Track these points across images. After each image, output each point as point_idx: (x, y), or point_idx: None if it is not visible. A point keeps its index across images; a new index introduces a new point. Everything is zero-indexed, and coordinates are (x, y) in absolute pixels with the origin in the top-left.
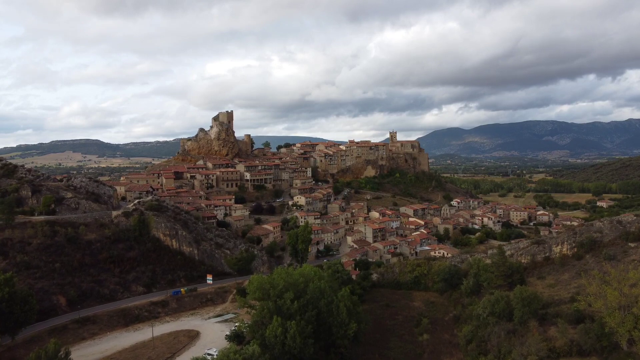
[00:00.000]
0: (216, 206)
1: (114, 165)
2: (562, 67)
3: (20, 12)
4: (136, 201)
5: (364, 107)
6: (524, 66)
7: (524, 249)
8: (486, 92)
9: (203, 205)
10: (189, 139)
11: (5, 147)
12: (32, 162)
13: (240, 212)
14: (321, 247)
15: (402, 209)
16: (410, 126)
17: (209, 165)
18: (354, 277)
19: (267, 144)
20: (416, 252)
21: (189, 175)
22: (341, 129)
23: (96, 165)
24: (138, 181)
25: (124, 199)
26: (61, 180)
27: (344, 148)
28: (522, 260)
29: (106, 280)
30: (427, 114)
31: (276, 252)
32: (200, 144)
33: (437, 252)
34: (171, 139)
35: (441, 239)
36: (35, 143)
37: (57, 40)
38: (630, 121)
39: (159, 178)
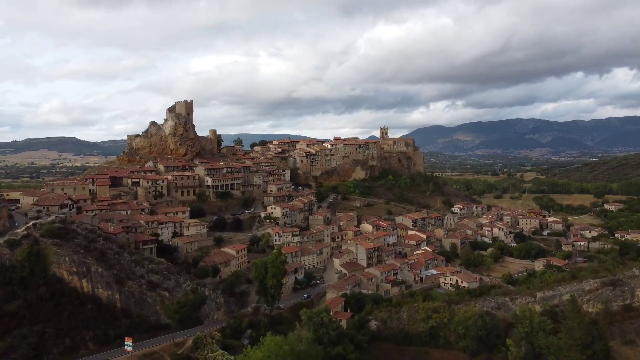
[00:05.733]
0: (161, 223)
1: (89, 164)
2: (551, 64)
3: None
4: (31, 223)
5: (351, 104)
6: (514, 63)
7: (593, 292)
8: (474, 89)
9: (142, 222)
10: (137, 136)
11: None
12: (4, 161)
13: (194, 230)
14: (300, 276)
15: (399, 219)
16: (397, 124)
17: (160, 167)
18: (344, 322)
19: (238, 142)
20: (421, 278)
21: (130, 181)
22: (327, 127)
23: (70, 164)
24: (63, 189)
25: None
26: None
27: (329, 146)
28: (590, 310)
29: None
30: (415, 111)
31: (238, 286)
32: (152, 141)
33: (447, 278)
34: None
35: (449, 257)
36: (9, 141)
37: (37, 33)
38: (609, 119)
39: (93, 185)
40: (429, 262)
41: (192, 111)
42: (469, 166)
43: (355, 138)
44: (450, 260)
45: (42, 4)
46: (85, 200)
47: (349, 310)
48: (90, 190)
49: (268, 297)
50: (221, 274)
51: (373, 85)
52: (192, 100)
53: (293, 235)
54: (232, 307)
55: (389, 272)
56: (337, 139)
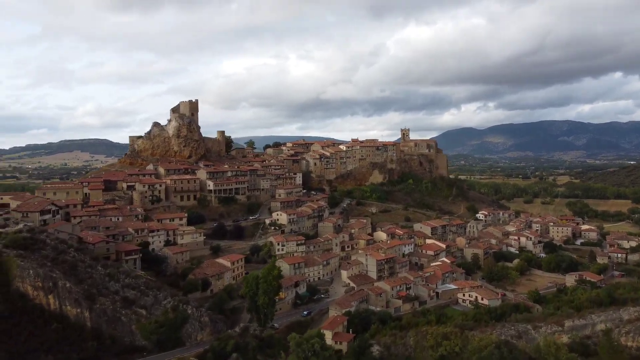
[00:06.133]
0: (152, 231)
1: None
2: (588, 64)
3: (36, 10)
4: None
5: (380, 106)
6: (548, 63)
7: (633, 323)
8: (506, 90)
9: (131, 230)
10: (139, 137)
11: (14, 147)
12: (39, 162)
13: (190, 238)
14: (303, 290)
15: (417, 226)
16: (427, 126)
17: (161, 170)
18: (345, 346)
19: (250, 143)
20: (437, 294)
21: (125, 185)
22: (355, 129)
23: (102, 165)
24: (55, 193)
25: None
26: None
27: (345, 148)
28: (630, 344)
29: None
30: (445, 113)
31: (229, 303)
32: (155, 143)
33: (466, 294)
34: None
35: (469, 269)
36: (45, 142)
37: (73, 38)
38: None
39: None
40: (447, 275)
41: (197, 111)
42: (499, 169)
43: (373, 139)
44: (472, 272)
45: (78, 9)
46: (75, 206)
47: (351, 331)
48: (85, 194)
49: (260, 315)
50: (212, 288)
51: (402, 87)
52: (196, 100)
53: (298, 244)
54: (220, 327)
55: (400, 286)
56: (354, 140)
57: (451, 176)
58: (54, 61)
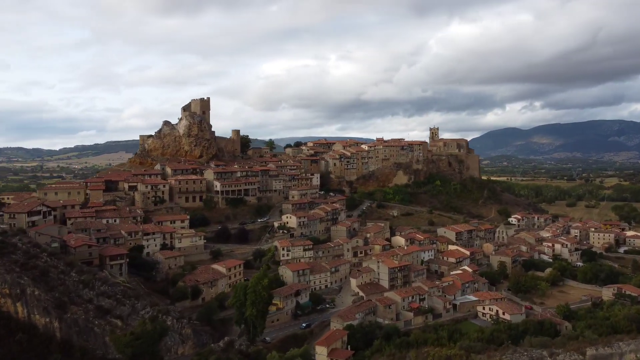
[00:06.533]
0: (147, 234)
1: None
2: None
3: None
4: None
5: (421, 106)
6: (600, 60)
7: None
8: (553, 89)
9: (124, 232)
10: (150, 136)
11: (64, 148)
12: (85, 163)
13: (188, 242)
14: (304, 299)
15: (441, 231)
16: (469, 126)
17: (168, 171)
18: None
19: (270, 143)
20: (454, 306)
21: (126, 185)
22: (395, 129)
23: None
24: (56, 193)
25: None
26: None
27: (367, 148)
28: None
29: None
30: (489, 113)
31: (218, 313)
32: (165, 142)
33: (486, 307)
34: None
35: (494, 279)
36: (92, 144)
37: (120, 42)
38: None
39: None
40: (468, 285)
41: (208, 109)
42: (543, 170)
43: (398, 139)
44: (497, 282)
45: (125, 14)
46: (73, 206)
47: (350, 347)
48: (86, 195)
49: (249, 328)
50: (204, 296)
51: (444, 87)
52: (208, 98)
53: (305, 250)
54: (205, 340)
55: (413, 297)
56: (379, 140)
57: (484, 177)
58: (102, 65)
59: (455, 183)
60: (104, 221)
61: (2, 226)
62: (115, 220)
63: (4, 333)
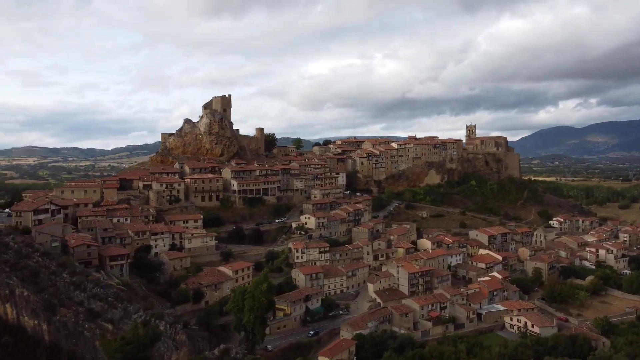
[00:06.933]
0: (155, 234)
1: None
2: None
3: (137, 20)
4: None
5: (468, 104)
6: None
7: None
8: (611, 85)
9: (131, 232)
10: (171, 134)
11: (116, 148)
12: (135, 162)
13: (199, 242)
14: (315, 305)
15: (472, 234)
16: (519, 125)
17: (187, 169)
18: None
19: (297, 141)
20: (479, 316)
21: (141, 184)
22: (441, 128)
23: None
24: (73, 191)
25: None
26: None
27: (396, 146)
28: None
29: None
30: (540, 111)
31: (218, 318)
32: (186, 140)
33: (514, 317)
34: None
35: (527, 287)
36: (142, 144)
37: (169, 45)
38: None
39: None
40: (496, 293)
41: (229, 107)
42: (597, 171)
43: (432, 137)
44: (530, 290)
45: (174, 17)
46: (86, 205)
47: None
48: (102, 193)
49: (248, 335)
50: (207, 300)
51: (493, 84)
52: (229, 95)
53: (321, 252)
54: (202, 346)
55: (433, 305)
56: (411, 138)
57: (525, 177)
58: (152, 67)
59: (492, 183)
60: (115, 220)
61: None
62: (126, 219)
63: None
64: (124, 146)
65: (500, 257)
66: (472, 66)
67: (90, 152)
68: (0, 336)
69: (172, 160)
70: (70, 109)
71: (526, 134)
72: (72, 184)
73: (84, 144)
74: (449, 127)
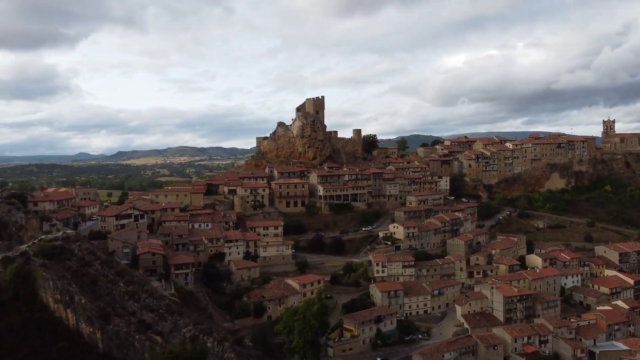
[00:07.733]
0: (228, 241)
1: None
2: None
3: (276, 25)
4: (37, 239)
5: (627, 94)
6: None
7: None
8: None
9: (205, 240)
10: (265, 138)
11: (254, 147)
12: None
13: (274, 251)
14: (389, 326)
15: (600, 250)
16: None
17: (275, 174)
18: None
19: (401, 142)
20: (591, 355)
21: (226, 189)
22: (593, 122)
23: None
24: (166, 196)
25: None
26: None
27: (511, 146)
28: None
29: None
30: None
31: (275, 337)
32: (279, 144)
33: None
34: (393, 136)
35: None
36: None
37: (305, 47)
38: None
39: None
40: (617, 327)
41: (322, 109)
42: None
43: (557, 135)
44: None
45: (309, 20)
46: (173, 209)
47: None
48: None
49: (302, 358)
50: (270, 314)
51: None
52: (323, 97)
53: (404, 266)
54: None
55: (530, 337)
56: (532, 136)
57: None
58: (290, 70)
59: (633, 188)
60: (197, 225)
61: (67, 231)
62: (207, 225)
63: (50, 339)
64: (248, 148)
65: (632, 281)
66: (634, 50)
67: (232, 152)
68: (57, 340)
69: (265, 163)
70: (218, 112)
71: None
72: (168, 188)
73: (227, 144)
74: (604, 120)
